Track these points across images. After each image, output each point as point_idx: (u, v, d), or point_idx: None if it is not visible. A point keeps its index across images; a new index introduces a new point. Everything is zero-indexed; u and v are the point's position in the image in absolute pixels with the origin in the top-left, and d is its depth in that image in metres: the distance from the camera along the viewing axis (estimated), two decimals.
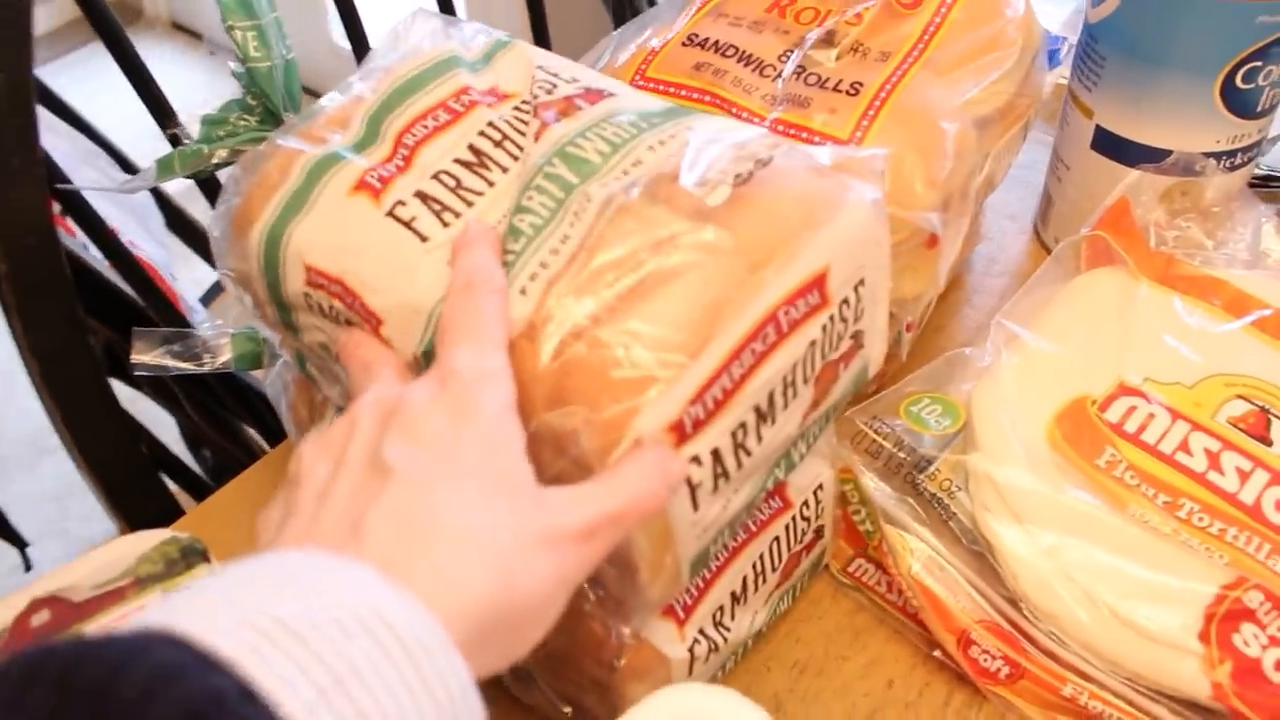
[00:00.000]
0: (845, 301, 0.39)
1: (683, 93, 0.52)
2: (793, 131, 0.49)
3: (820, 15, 0.54)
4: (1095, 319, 0.57)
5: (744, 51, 0.53)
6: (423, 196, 0.39)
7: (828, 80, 0.51)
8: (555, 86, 0.41)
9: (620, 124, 0.39)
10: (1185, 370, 0.54)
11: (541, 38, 0.91)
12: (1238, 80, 0.57)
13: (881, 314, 0.41)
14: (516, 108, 0.41)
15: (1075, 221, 0.66)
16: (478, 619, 0.28)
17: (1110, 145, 0.62)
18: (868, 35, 0.53)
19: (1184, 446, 0.51)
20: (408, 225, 0.38)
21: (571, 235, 0.36)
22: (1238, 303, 0.58)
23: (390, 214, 0.38)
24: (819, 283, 0.37)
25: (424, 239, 0.38)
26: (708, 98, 0.52)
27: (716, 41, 0.54)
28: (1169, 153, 0.60)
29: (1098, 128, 0.62)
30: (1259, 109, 0.59)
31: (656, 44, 0.55)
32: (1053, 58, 0.67)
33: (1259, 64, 0.57)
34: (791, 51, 0.53)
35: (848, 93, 0.50)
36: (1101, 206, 0.61)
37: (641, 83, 0.53)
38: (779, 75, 0.52)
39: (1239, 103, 0.58)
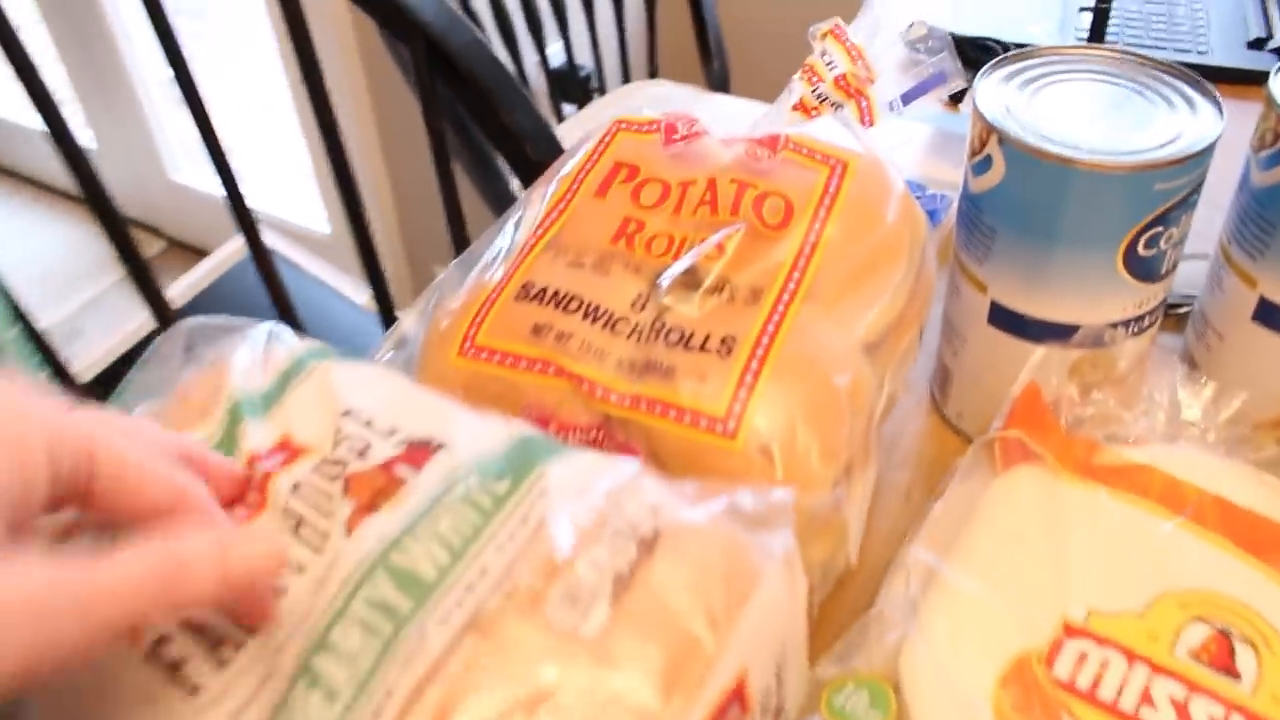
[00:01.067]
0: (767, 690, 0.31)
1: (522, 364, 0.45)
2: (659, 409, 0.41)
3: (674, 244, 0.46)
4: (1021, 536, 0.50)
5: (589, 303, 0.45)
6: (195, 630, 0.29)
7: (692, 336, 0.44)
8: (369, 446, 0.32)
9: (459, 509, 0.30)
10: (1131, 591, 0.48)
11: None
12: (1139, 248, 0.51)
13: (799, 671, 0.33)
14: (318, 469, 0.32)
15: (976, 396, 0.60)
16: None
17: (1009, 321, 0.56)
18: (734, 269, 0.46)
19: (1147, 698, 0.45)
20: (172, 670, 0.28)
21: (397, 691, 0.27)
22: (1170, 493, 0.52)
23: (151, 655, 0.29)
24: (738, 693, 0.29)
25: (194, 690, 0.28)
26: (551, 369, 0.44)
27: (556, 292, 0.46)
28: (1072, 326, 0.54)
29: (994, 303, 0.55)
30: (1163, 271, 0.54)
31: (491, 284, 0.47)
32: (933, 217, 0.61)
33: (1160, 229, 0.51)
34: (646, 298, 0.45)
35: (718, 352, 0.43)
36: (1009, 396, 0.54)
37: (472, 354, 0.45)
38: (634, 331, 0.44)
39: (1143, 269, 0.52)
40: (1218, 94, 0.53)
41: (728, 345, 0.43)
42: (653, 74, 1.67)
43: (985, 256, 0.55)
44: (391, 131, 1.83)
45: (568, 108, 1.58)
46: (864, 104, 0.55)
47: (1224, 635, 0.47)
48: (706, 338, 0.44)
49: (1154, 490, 0.52)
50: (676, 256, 0.46)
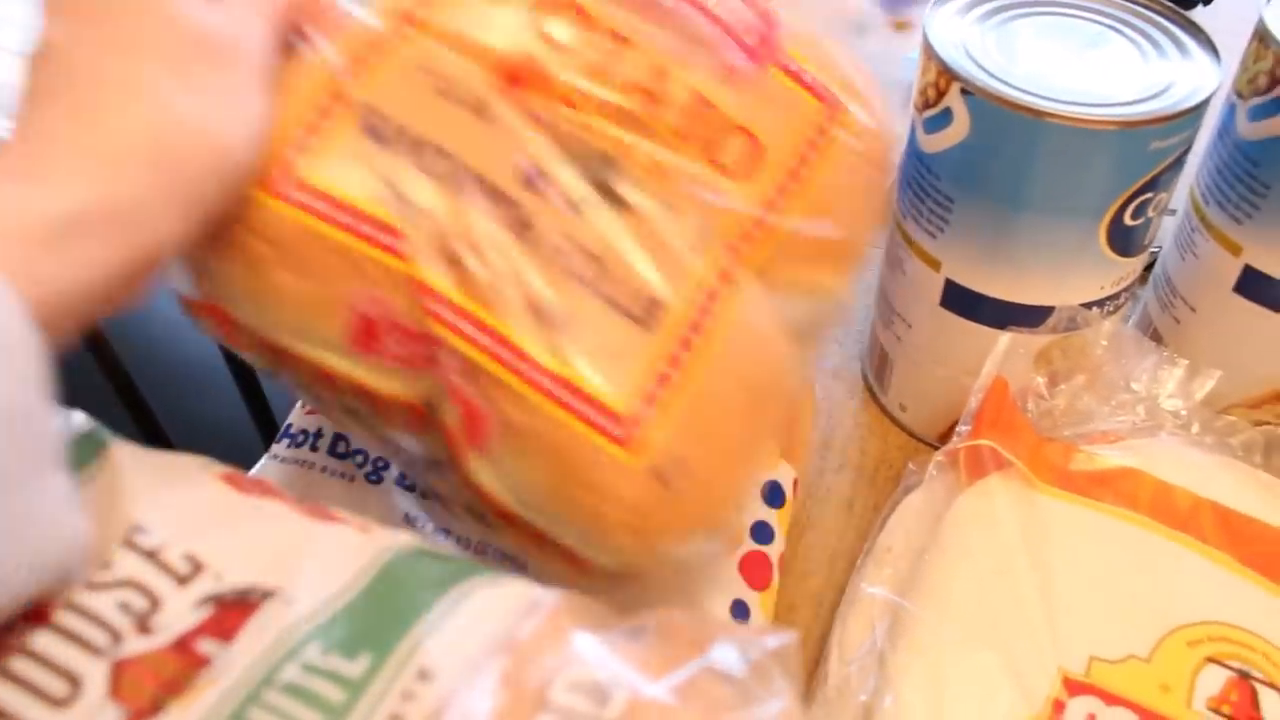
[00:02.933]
0: None
1: (364, 227, 0.31)
2: (527, 372, 0.30)
3: (586, 107, 0.34)
4: (1001, 567, 0.42)
5: (463, 168, 0.32)
6: None
7: (604, 276, 0.32)
8: (156, 605, 0.21)
9: (290, 710, 0.19)
10: (1135, 631, 0.41)
11: None
12: (1126, 218, 0.43)
13: None
14: (61, 635, 0.21)
15: (924, 388, 0.52)
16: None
17: (966, 303, 0.47)
18: (677, 139, 0.34)
19: None
20: None
21: None
22: (1161, 502, 0.44)
23: None
24: None
25: None
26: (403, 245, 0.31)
27: (415, 138, 0.32)
28: (1043, 309, 0.46)
29: (948, 282, 0.47)
30: (1145, 242, 0.46)
31: (325, 78, 0.32)
32: None
33: (1150, 195, 0.43)
34: (536, 172, 0.32)
35: (637, 319, 0.32)
36: (974, 396, 0.46)
37: (296, 199, 0.31)
38: (518, 224, 0.32)
39: (1126, 241, 0.44)
40: (1210, 36, 0.44)
41: (652, 313, 0.32)
42: None
43: (940, 228, 0.46)
44: None
45: None
46: None
47: (1244, 679, 0.39)
48: (625, 289, 0.32)
49: (1142, 500, 0.44)
50: (589, 129, 0.33)
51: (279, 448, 0.45)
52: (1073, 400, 0.48)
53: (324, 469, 0.44)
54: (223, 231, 0.30)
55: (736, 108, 0.35)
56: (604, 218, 0.32)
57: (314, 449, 0.45)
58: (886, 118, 0.39)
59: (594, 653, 0.21)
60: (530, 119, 0.33)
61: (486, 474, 0.32)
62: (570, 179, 0.32)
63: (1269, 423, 0.52)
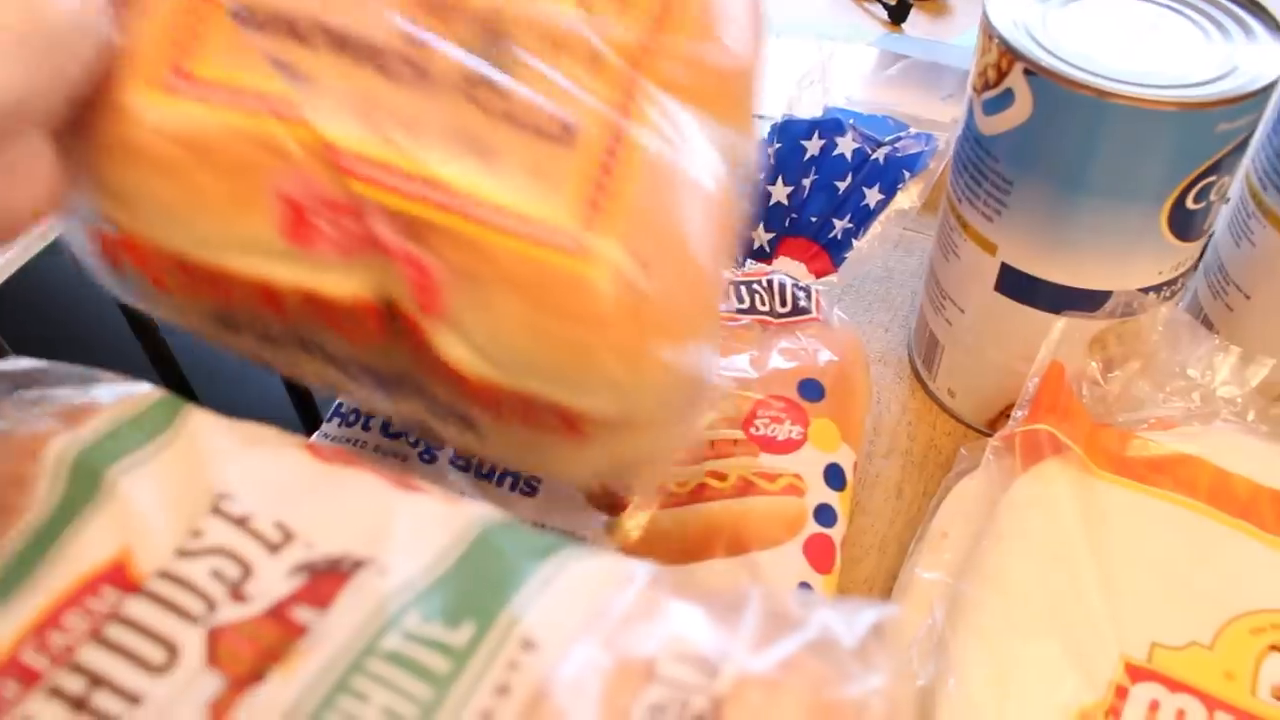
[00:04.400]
0: None
1: (266, 105, 0.29)
2: (470, 209, 0.28)
3: None
4: (1060, 555, 0.42)
5: (339, 30, 0.30)
6: None
7: (505, 99, 0.30)
8: (248, 573, 0.21)
9: (396, 678, 0.19)
10: (1196, 618, 0.40)
11: None
12: (1189, 201, 0.43)
13: None
14: (155, 600, 0.20)
15: (975, 374, 0.51)
16: None
17: (1023, 288, 0.46)
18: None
19: None
20: None
21: None
22: (1221, 490, 0.44)
23: None
24: None
25: None
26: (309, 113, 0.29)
27: (288, 17, 0.30)
28: (1101, 294, 0.45)
29: (1004, 266, 0.46)
30: (1205, 227, 0.45)
31: None
32: (914, 163, 0.51)
33: (1213, 179, 0.42)
34: (419, 30, 0.30)
35: (557, 138, 0.30)
36: (1030, 380, 0.45)
37: (196, 90, 0.29)
38: (416, 73, 0.30)
39: (1187, 225, 0.44)
40: (1276, 17, 0.44)
41: (569, 131, 0.30)
42: None
43: (998, 212, 0.46)
44: None
45: None
46: None
47: None
48: (536, 117, 0.30)
49: (1202, 487, 0.44)
50: None
51: (330, 427, 0.45)
52: (1127, 386, 0.48)
53: (376, 448, 0.44)
54: (129, 146, 0.28)
55: None
56: (494, 61, 0.31)
57: (366, 428, 0.45)
58: None
59: (696, 625, 0.21)
60: None
61: (454, 344, 0.30)
62: (453, 37, 0.31)
63: None
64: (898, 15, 0.83)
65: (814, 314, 0.48)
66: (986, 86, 0.44)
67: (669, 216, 0.31)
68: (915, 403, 0.54)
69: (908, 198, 0.51)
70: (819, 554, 0.41)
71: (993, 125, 0.44)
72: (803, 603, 0.21)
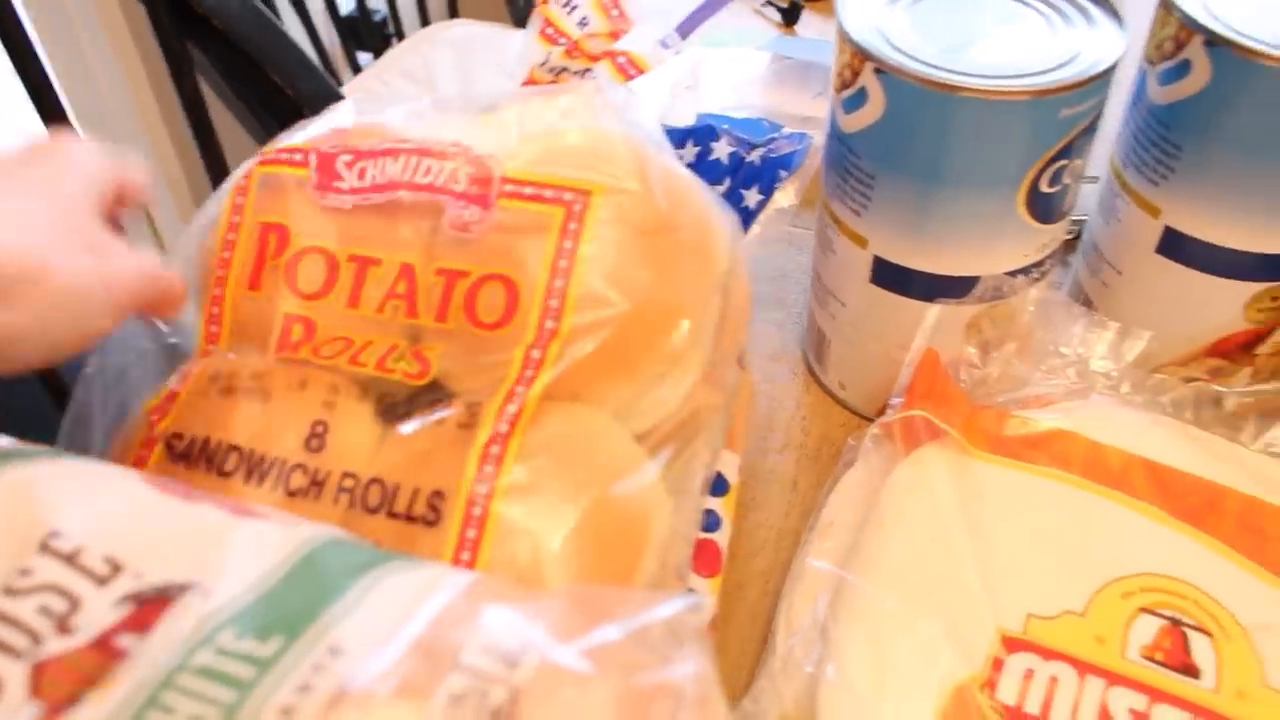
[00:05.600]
0: None
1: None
2: None
3: (354, 349, 0.36)
4: (938, 534, 0.43)
5: (251, 455, 0.35)
6: None
7: (396, 495, 0.34)
8: (75, 606, 0.21)
9: (200, 687, 0.20)
10: (1070, 587, 0.42)
11: None
12: (1043, 185, 0.44)
13: None
14: None
15: (861, 365, 0.52)
16: None
17: (895, 278, 0.48)
18: (450, 381, 0.36)
19: (1105, 716, 0.38)
20: None
21: None
22: (1093, 461, 0.45)
23: None
24: None
25: None
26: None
27: (207, 443, 0.36)
28: (969, 279, 0.47)
29: (876, 259, 0.48)
30: (1064, 208, 0.47)
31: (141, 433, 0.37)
32: (790, 162, 0.52)
33: (1065, 162, 0.44)
34: (325, 430, 0.35)
35: (425, 520, 0.33)
36: (906, 366, 0.47)
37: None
38: (314, 485, 0.35)
39: (1045, 209, 0.45)
40: (1115, 5, 0.46)
41: (435, 508, 0.33)
42: (453, 13, 1.53)
43: (864, 206, 0.47)
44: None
45: (364, 57, 1.44)
46: (621, 60, 0.44)
47: (1175, 626, 0.41)
48: (413, 495, 0.33)
49: (1075, 460, 0.46)
50: (355, 363, 0.35)
51: None
52: (1005, 368, 0.49)
53: None
54: None
55: (479, 259, 0.36)
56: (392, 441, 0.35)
57: None
58: (660, 173, 0.38)
59: (505, 622, 0.21)
60: (308, 377, 0.36)
61: None
62: (353, 417, 0.35)
63: (1200, 379, 0.54)
64: (790, 17, 0.85)
65: None
66: (844, 86, 0.45)
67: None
68: (810, 397, 0.55)
69: (786, 196, 0.52)
70: (703, 558, 0.42)
71: (852, 123, 0.46)
72: (617, 598, 0.22)
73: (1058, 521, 0.44)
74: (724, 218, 0.39)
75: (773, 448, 0.53)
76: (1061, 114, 0.42)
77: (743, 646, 0.45)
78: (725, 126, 0.53)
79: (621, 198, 0.36)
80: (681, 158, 0.52)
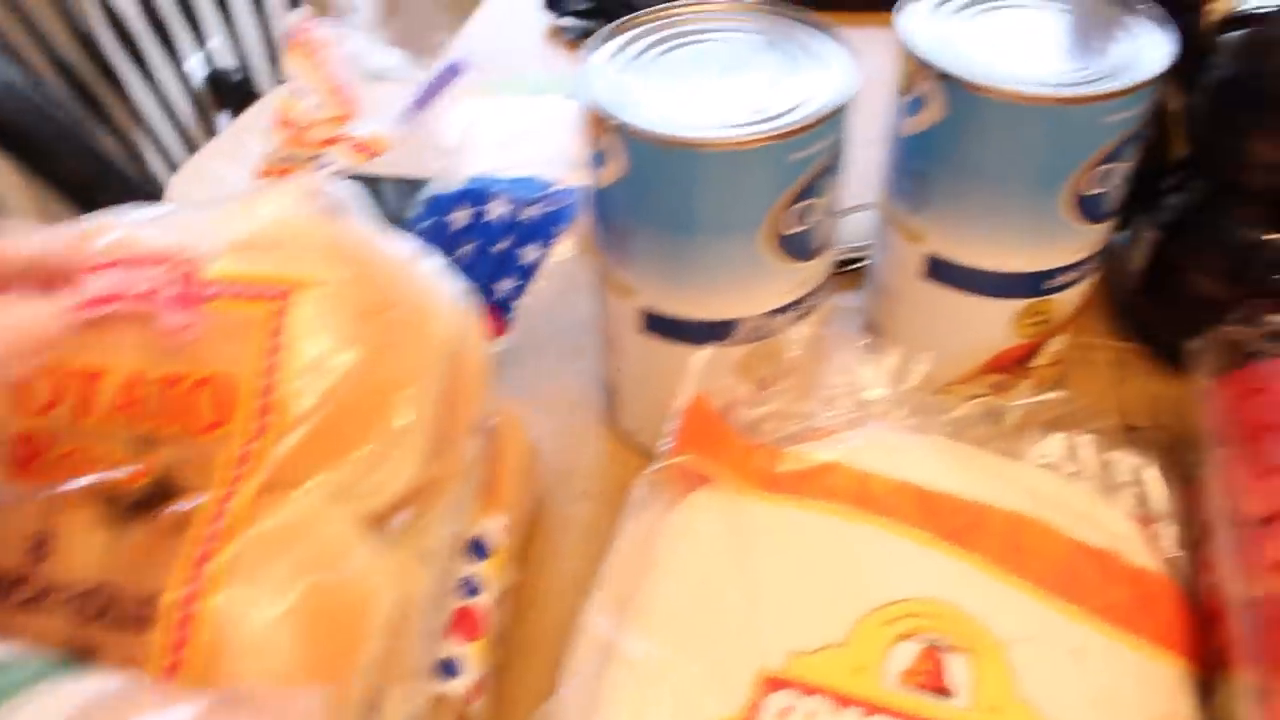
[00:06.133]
0: None
1: None
2: None
3: (84, 462, 0.36)
4: (707, 579, 0.44)
5: None
6: None
7: (110, 605, 0.34)
8: None
9: None
10: (832, 620, 0.43)
11: None
12: (787, 226, 0.45)
13: None
14: None
15: (648, 410, 0.54)
16: None
17: (662, 327, 0.49)
18: (171, 480, 0.36)
19: None
20: None
21: None
22: (860, 491, 0.47)
23: None
24: None
25: None
26: None
27: None
28: (729, 323, 0.48)
29: (643, 309, 0.48)
30: (817, 245, 0.48)
31: None
32: (564, 217, 0.53)
33: (807, 201, 0.45)
34: (45, 541, 0.36)
35: (134, 626, 0.33)
36: (674, 414, 0.48)
37: None
38: (37, 596, 0.35)
39: (796, 248, 0.47)
40: (846, 39, 0.47)
41: (148, 612, 0.33)
42: None
43: (626, 258, 0.48)
44: None
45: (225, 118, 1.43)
46: (355, 143, 0.45)
47: (932, 650, 0.42)
48: (132, 600, 0.34)
49: (844, 491, 0.47)
50: (82, 472, 0.36)
51: None
52: (782, 404, 0.50)
53: None
54: None
55: (193, 363, 0.36)
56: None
57: None
58: (375, 255, 0.38)
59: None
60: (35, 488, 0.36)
61: None
62: (79, 526, 0.35)
63: (984, 394, 0.55)
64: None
65: None
66: (591, 145, 0.46)
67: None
68: (608, 445, 0.56)
69: (566, 248, 0.53)
70: (464, 624, 0.42)
71: (602, 179, 0.47)
72: (245, 695, 0.23)
73: (824, 555, 0.45)
74: (449, 291, 0.39)
75: (571, 496, 0.54)
76: (789, 159, 0.44)
77: (536, 702, 0.45)
78: (499, 187, 0.53)
79: (329, 287, 0.36)
80: (455, 221, 0.53)
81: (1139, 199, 0.60)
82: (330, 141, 0.43)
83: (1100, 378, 0.60)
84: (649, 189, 0.45)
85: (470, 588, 0.42)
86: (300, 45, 0.44)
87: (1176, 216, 0.57)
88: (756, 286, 0.47)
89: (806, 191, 0.45)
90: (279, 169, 0.44)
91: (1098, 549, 0.45)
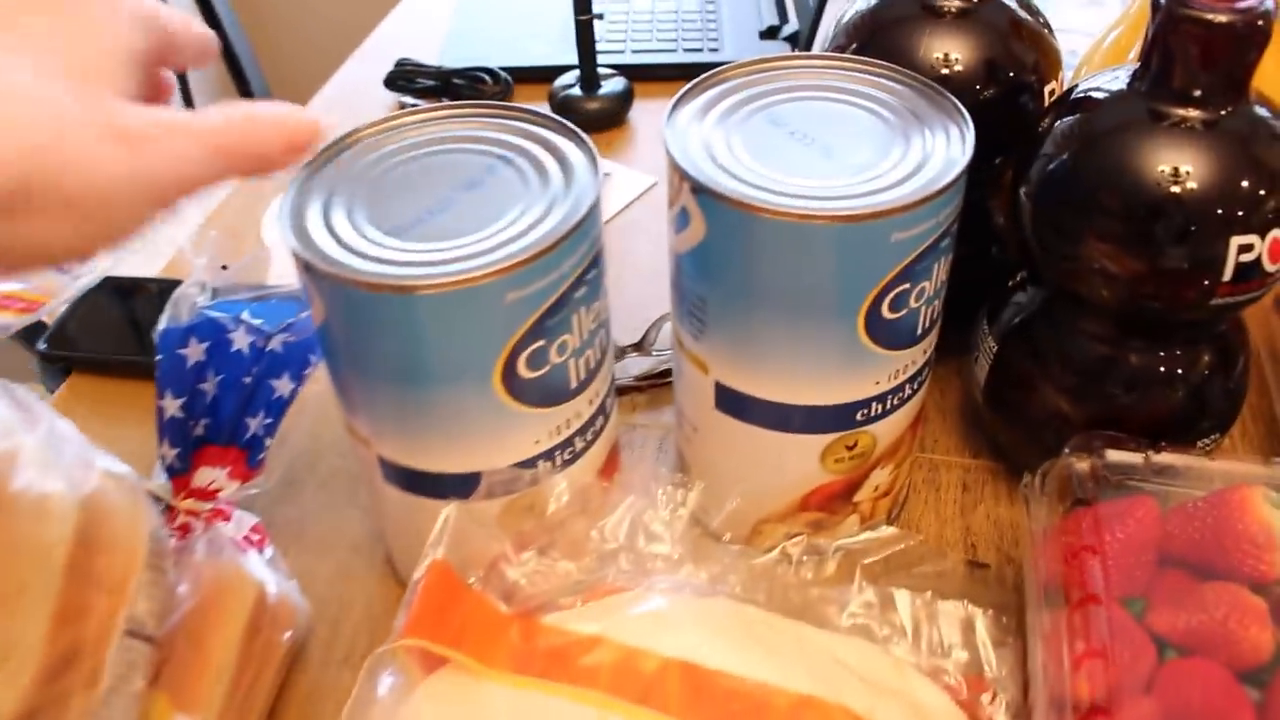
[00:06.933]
0: None
1: None
2: None
3: None
4: None
5: None
6: None
7: None
8: None
9: None
10: None
11: None
12: (520, 369, 0.39)
13: None
14: None
15: (413, 561, 0.47)
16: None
17: (404, 479, 0.43)
18: None
19: None
20: None
21: None
22: (624, 671, 0.40)
23: None
24: None
25: None
26: None
27: None
28: (470, 476, 0.42)
29: (381, 459, 0.43)
30: (561, 385, 0.42)
31: None
32: (315, 345, 0.47)
33: (538, 342, 0.39)
34: None
35: None
36: (412, 584, 0.41)
37: None
38: None
39: (534, 393, 0.41)
40: (594, 149, 0.41)
41: None
42: None
43: (360, 408, 0.42)
44: None
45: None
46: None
47: None
48: None
49: (604, 672, 0.40)
50: None
51: None
52: (549, 564, 0.44)
53: None
54: None
55: None
56: None
57: None
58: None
59: None
60: None
61: None
62: None
63: (801, 533, 0.49)
64: None
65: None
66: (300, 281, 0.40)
67: None
68: (393, 588, 0.50)
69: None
70: None
71: (315, 319, 0.41)
72: None
73: None
74: (58, 489, 0.33)
75: (334, 659, 0.47)
76: (508, 299, 0.37)
77: None
78: (243, 314, 0.47)
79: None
80: (189, 357, 0.47)
81: (985, 298, 0.54)
82: None
83: (948, 502, 0.53)
84: (365, 336, 0.39)
85: None
86: None
87: (1018, 323, 0.51)
88: (499, 436, 0.41)
89: (535, 332, 0.39)
90: None
91: None
